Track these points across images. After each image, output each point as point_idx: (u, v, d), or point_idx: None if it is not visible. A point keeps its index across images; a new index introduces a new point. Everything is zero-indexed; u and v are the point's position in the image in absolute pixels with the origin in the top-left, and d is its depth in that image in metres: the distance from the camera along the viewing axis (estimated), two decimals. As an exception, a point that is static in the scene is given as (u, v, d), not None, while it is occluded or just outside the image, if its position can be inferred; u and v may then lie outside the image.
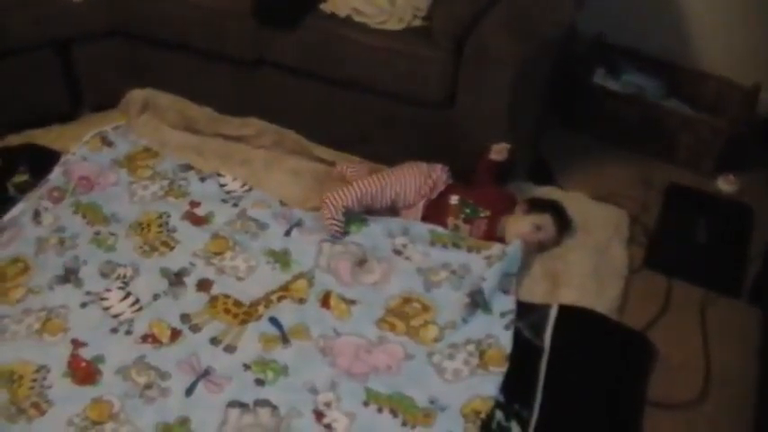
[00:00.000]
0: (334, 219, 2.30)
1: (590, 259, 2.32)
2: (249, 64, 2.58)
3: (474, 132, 2.37)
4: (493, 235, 2.32)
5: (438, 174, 2.37)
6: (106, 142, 2.68)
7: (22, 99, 2.74)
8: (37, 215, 2.46)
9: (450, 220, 2.34)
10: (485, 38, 2.26)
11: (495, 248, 2.26)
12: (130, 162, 2.62)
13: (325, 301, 2.19)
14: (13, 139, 2.71)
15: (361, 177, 2.44)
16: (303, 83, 2.55)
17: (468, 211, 2.33)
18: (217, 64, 2.64)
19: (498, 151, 2.34)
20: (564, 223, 2.35)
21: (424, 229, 2.34)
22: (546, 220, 2.31)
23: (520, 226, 2.31)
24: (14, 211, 2.49)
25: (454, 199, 2.35)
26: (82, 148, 2.65)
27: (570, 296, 2.23)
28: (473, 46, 2.27)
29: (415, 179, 2.35)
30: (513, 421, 1.94)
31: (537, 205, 2.36)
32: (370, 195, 2.33)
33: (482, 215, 2.32)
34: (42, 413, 1.97)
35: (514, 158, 2.37)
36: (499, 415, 1.94)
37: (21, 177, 2.57)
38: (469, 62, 2.28)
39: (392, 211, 2.40)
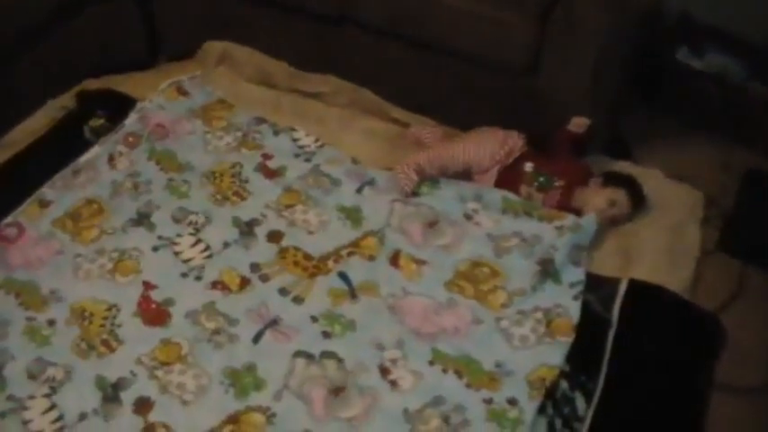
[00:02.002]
0: (406, 174, 2.31)
1: (663, 237, 2.28)
2: (331, 21, 2.57)
3: (555, 101, 2.33)
4: (566, 205, 2.28)
5: (514, 140, 2.34)
6: (182, 92, 2.71)
7: (100, 46, 2.78)
8: (112, 159, 2.50)
9: (524, 188, 2.31)
10: (573, 5, 2.22)
11: (568, 219, 2.23)
12: (205, 113, 2.64)
13: (394, 260, 2.18)
14: (91, 84, 2.75)
15: (436, 140, 2.44)
16: (384, 43, 2.53)
17: (542, 179, 2.30)
18: (298, 19, 2.63)
19: (578, 124, 2.31)
20: (638, 200, 2.31)
21: (497, 195, 2.32)
22: (621, 195, 2.28)
23: (595, 199, 2.27)
24: (90, 154, 2.53)
25: (528, 166, 2.32)
26: (159, 97, 2.68)
27: (641, 273, 2.19)
28: (560, 12, 2.24)
29: (491, 145, 2.33)
30: (578, 392, 1.92)
31: (612, 179, 2.32)
32: (445, 158, 2.33)
33: (556, 185, 2.29)
34: (112, 350, 2.02)
35: (592, 133, 2.33)
36: (564, 384, 1.93)
37: (98, 121, 2.60)
38: (555, 29, 2.25)
39: (465, 175, 2.38)
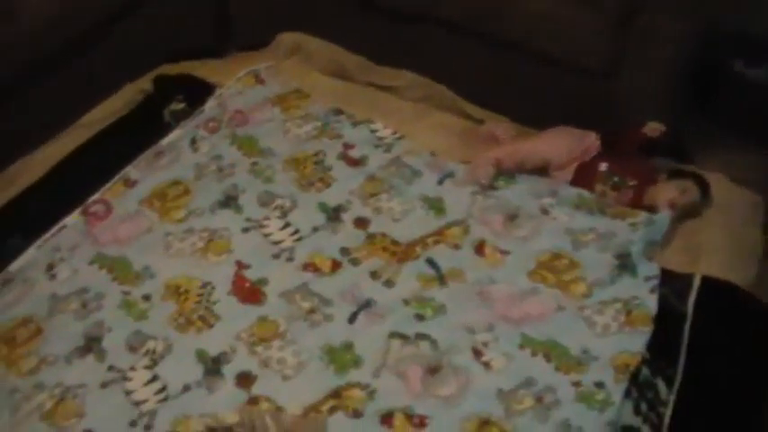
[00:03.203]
0: (484, 167, 2.40)
1: (726, 237, 2.38)
2: (410, 17, 2.66)
3: (628, 106, 2.45)
4: (638, 204, 2.39)
5: (591, 140, 2.45)
6: (259, 80, 2.79)
7: (173, 33, 2.85)
8: (194, 142, 2.57)
9: (598, 186, 2.42)
10: (655, 11, 2.33)
11: (641, 216, 2.34)
12: (282, 101, 2.72)
13: (479, 249, 2.27)
14: (168, 69, 2.82)
15: (510, 137, 2.54)
16: (463, 41, 2.62)
17: (616, 179, 2.41)
18: (375, 15, 2.72)
19: (653, 129, 2.43)
20: (705, 188, 2.43)
21: (572, 192, 2.42)
22: (689, 184, 2.39)
23: (666, 191, 2.37)
24: (172, 137, 2.61)
25: (603, 166, 2.43)
26: (236, 84, 2.76)
27: (707, 270, 2.30)
28: (643, 18, 2.35)
29: (570, 142, 2.44)
30: (660, 378, 2.03)
31: (678, 173, 2.44)
32: (524, 153, 2.44)
33: (630, 184, 2.41)
34: (210, 326, 2.09)
35: (665, 139, 2.45)
36: (645, 371, 2.03)
37: (178, 106, 2.68)
38: (637, 34, 2.36)
39: (541, 171, 2.48)
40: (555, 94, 2.57)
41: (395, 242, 2.28)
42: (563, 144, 2.44)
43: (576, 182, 2.44)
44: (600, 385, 1.97)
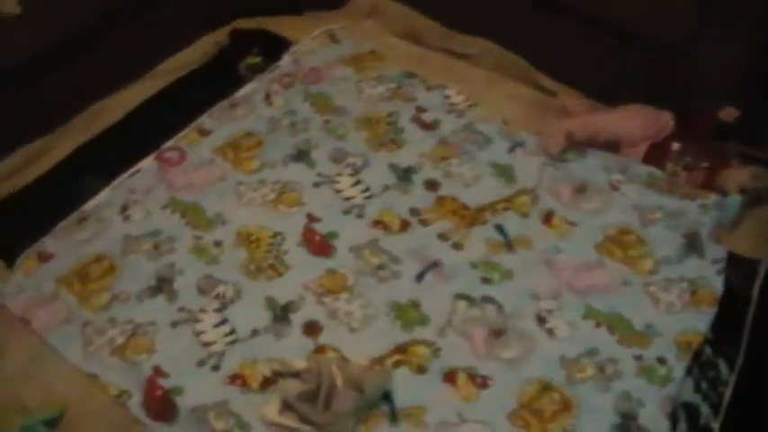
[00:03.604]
0: (555, 138, 2.41)
1: (795, 225, 2.39)
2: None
3: (705, 85, 2.43)
4: (709, 186, 2.38)
5: (666, 119, 2.44)
6: (334, 39, 2.82)
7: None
8: (268, 97, 2.61)
9: (669, 166, 2.42)
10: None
11: (712, 198, 2.34)
12: (357, 62, 2.75)
13: (547, 219, 2.28)
14: (243, 23, 2.85)
15: (583, 112, 2.54)
16: (539, 11, 2.61)
17: (688, 159, 2.41)
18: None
19: (728, 114, 2.41)
20: None
21: (643, 170, 2.41)
22: (761, 170, 2.37)
23: (738, 176, 2.36)
24: (247, 89, 2.65)
25: (676, 146, 2.42)
26: (311, 41, 2.79)
27: (772, 256, 2.31)
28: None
29: (644, 120, 2.43)
30: (721, 358, 2.04)
31: (751, 158, 2.43)
32: (598, 126, 2.43)
33: (702, 165, 2.40)
34: (280, 275, 2.14)
35: (739, 123, 2.43)
36: (708, 350, 2.04)
37: (254, 59, 2.72)
38: (716, 13, 2.33)
39: (612, 148, 2.48)
40: (630, 70, 2.56)
41: (464, 206, 2.30)
42: (637, 122, 2.43)
43: (647, 160, 2.43)
44: (662, 361, 1.99)
